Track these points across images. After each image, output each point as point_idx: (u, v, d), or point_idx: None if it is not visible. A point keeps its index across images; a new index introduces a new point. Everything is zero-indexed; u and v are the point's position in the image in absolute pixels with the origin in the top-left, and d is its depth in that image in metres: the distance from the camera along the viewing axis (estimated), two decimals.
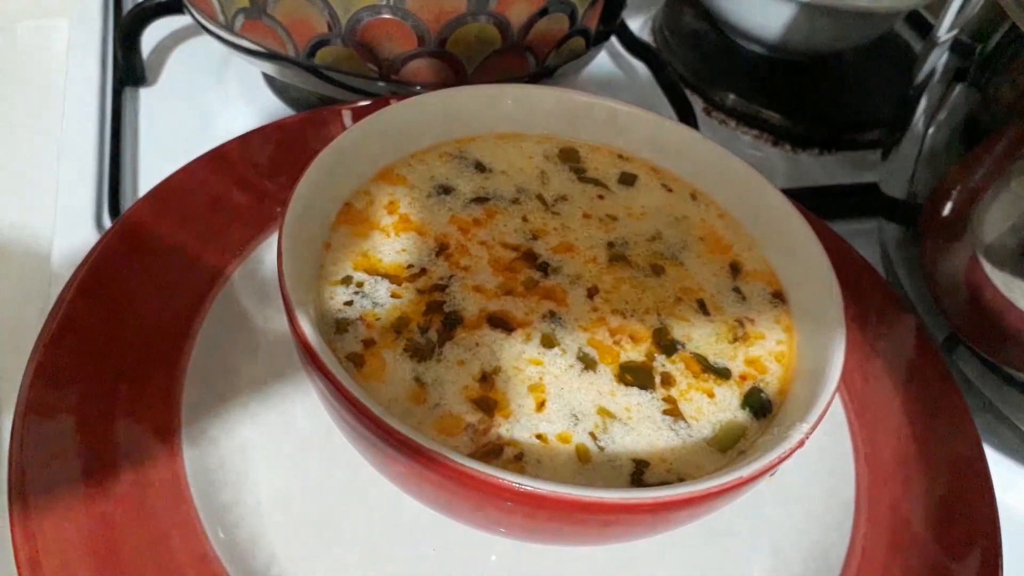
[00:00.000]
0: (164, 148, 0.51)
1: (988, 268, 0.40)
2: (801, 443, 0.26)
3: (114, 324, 0.34)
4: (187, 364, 0.34)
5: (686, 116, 0.54)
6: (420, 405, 0.28)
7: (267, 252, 0.39)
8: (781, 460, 0.26)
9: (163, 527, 0.29)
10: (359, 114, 0.45)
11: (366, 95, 0.47)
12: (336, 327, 0.30)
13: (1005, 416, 0.41)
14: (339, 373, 0.25)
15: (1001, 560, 0.32)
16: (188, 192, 0.40)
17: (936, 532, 0.33)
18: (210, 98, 0.55)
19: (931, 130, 0.46)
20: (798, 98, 0.63)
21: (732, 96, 0.63)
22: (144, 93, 0.55)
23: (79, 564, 0.27)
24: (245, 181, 0.42)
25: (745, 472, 0.25)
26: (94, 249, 0.37)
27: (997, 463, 0.39)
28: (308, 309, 0.28)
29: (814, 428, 0.27)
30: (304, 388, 0.33)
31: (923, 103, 0.46)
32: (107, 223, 0.46)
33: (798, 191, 0.54)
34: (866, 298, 0.44)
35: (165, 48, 0.58)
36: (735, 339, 0.32)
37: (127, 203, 0.47)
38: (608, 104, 0.39)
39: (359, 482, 0.31)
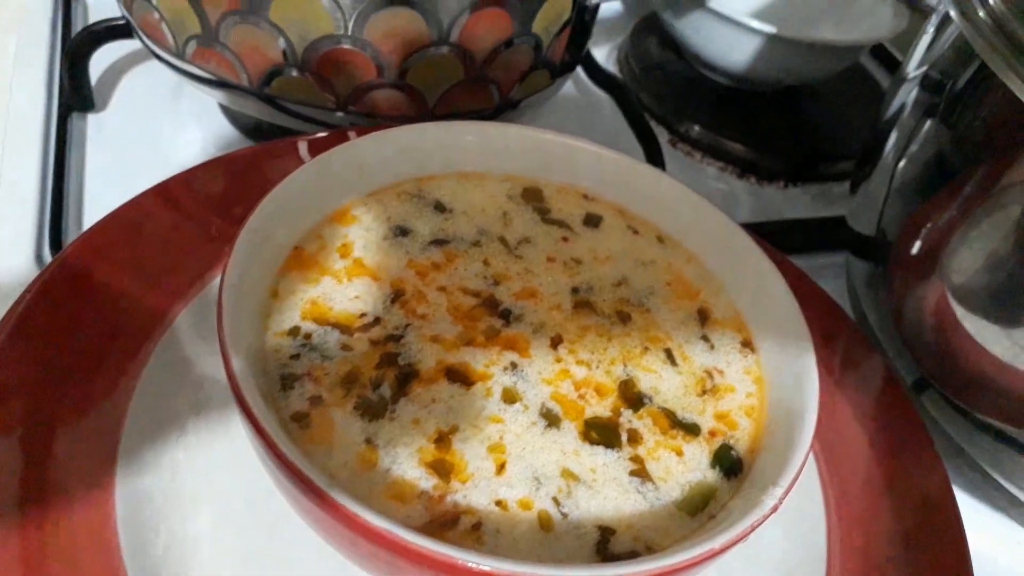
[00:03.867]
0: (111, 177, 0.49)
1: (958, 310, 0.39)
2: (775, 508, 0.25)
3: (50, 368, 0.32)
4: (126, 412, 0.32)
5: (651, 148, 0.54)
6: (371, 470, 0.26)
7: (213, 294, 0.37)
8: (754, 527, 0.24)
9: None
10: (316, 146, 0.43)
11: (323, 125, 0.45)
12: (281, 383, 0.28)
13: (975, 461, 0.41)
14: (279, 439, 0.23)
15: None
16: (132, 229, 0.38)
17: (909, 573, 0.32)
18: (162, 125, 0.53)
19: (901, 165, 0.45)
20: (764, 130, 0.63)
21: (697, 128, 0.62)
22: (92, 119, 0.52)
23: None
24: (193, 218, 0.40)
25: (717, 543, 0.24)
26: (30, 288, 0.34)
27: (967, 507, 0.38)
28: (249, 366, 0.26)
29: (788, 492, 0.26)
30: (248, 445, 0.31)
31: (893, 138, 0.45)
32: (47, 256, 0.43)
33: (763, 224, 0.53)
34: (833, 337, 0.43)
35: (115, 72, 0.56)
36: (704, 392, 0.31)
37: (69, 236, 0.44)
38: (573, 143, 0.38)
39: (301, 545, 0.29)
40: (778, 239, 0.45)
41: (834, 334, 0.43)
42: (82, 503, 0.28)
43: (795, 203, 0.61)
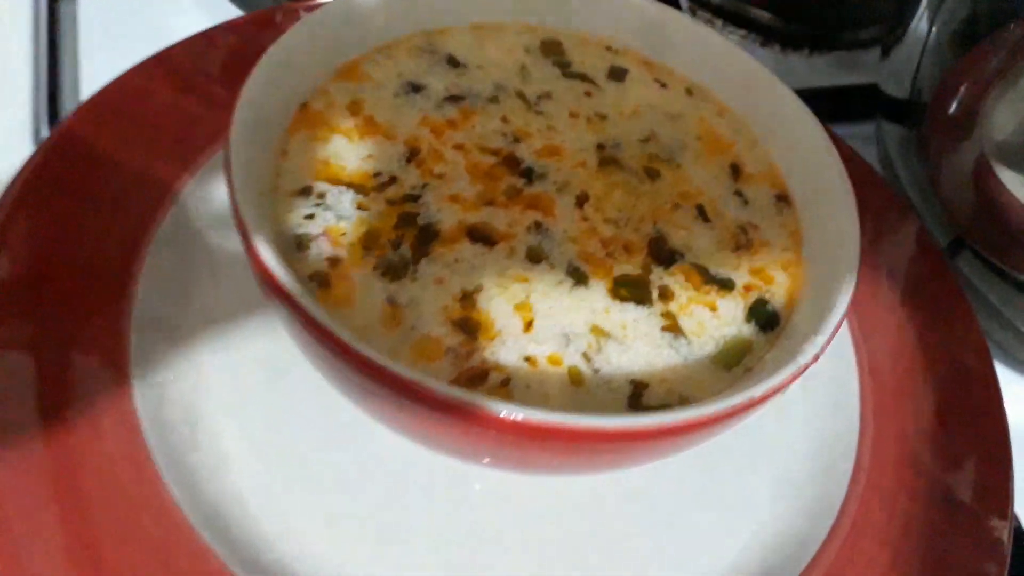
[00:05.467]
0: (107, 53, 0.46)
1: (997, 167, 0.37)
2: (816, 358, 0.24)
3: (52, 247, 0.31)
4: (135, 290, 0.31)
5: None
6: (395, 329, 0.25)
7: (220, 166, 0.35)
8: (795, 377, 0.24)
9: (118, 468, 0.26)
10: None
11: None
12: (296, 244, 0.26)
13: (1011, 323, 0.40)
14: (302, 298, 0.22)
15: (1012, 470, 0.31)
16: (131, 100, 0.36)
17: (944, 444, 0.32)
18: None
19: (935, 25, 0.43)
20: None
21: None
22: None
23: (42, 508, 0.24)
24: (193, 87, 0.38)
25: (756, 392, 0.23)
26: (28, 163, 0.33)
27: (1002, 374, 0.38)
28: (264, 225, 0.24)
29: (828, 342, 0.25)
30: (267, 313, 0.30)
31: None
32: (46, 134, 0.41)
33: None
34: (867, 201, 0.41)
35: None
36: (738, 247, 0.29)
37: (65, 111, 0.42)
38: None
39: (329, 414, 0.28)
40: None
41: (868, 197, 0.41)
42: (103, 404, 0.28)
43: (820, 71, 0.58)
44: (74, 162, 0.33)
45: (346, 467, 0.29)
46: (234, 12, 0.50)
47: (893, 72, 0.46)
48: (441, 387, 0.21)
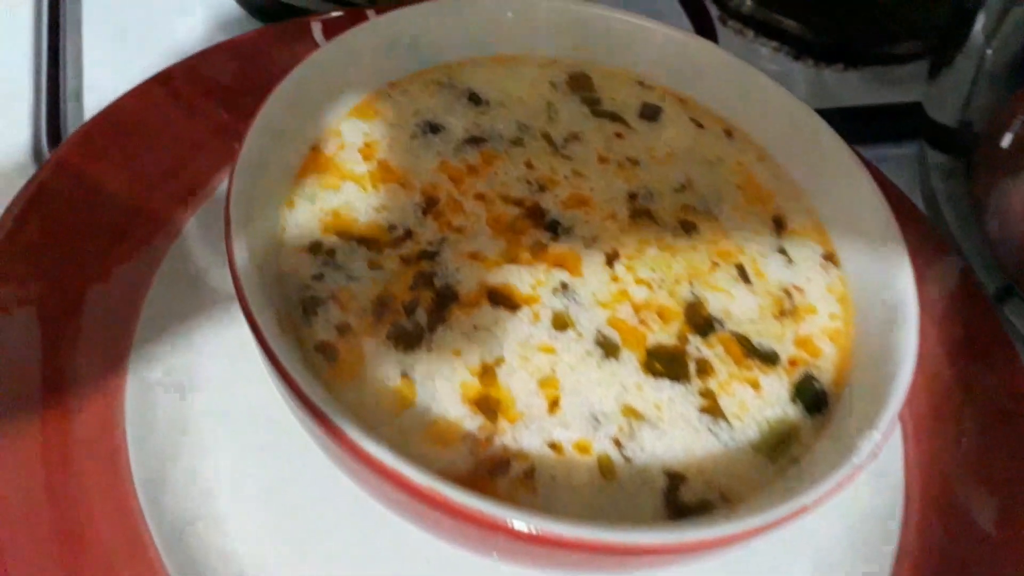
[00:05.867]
0: (111, 61, 0.44)
1: None
2: (874, 456, 0.22)
3: (49, 282, 0.29)
4: (134, 328, 0.29)
5: (703, 25, 0.48)
6: (407, 409, 0.23)
7: (223, 197, 0.33)
8: (848, 481, 0.21)
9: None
10: (330, 27, 0.38)
11: (338, 3, 0.40)
12: (303, 309, 0.24)
13: None
14: (304, 381, 0.20)
15: None
16: (131, 124, 0.34)
17: (996, 509, 0.29)
18: (164, 3, 0.48)
19: (991, 50, 0.40)
20: (823, 6, 0.56)
21: (749, 2, 0.55)
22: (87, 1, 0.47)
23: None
24: (198, 111, 0.36)
25: (808, 498, 0.20)
26: (23, 194, 0.31)
27: None
28: (265, 294, 0.22)
29: (886, 440, 0.22)
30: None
31: (981, 20, 0.40)
32: (46, 150, 0.39)
33: (823, 112, 0.48)
34: (905, 236, 0.38)
35: None
36: (781, 313, 0.27)
37: (68, 128, 0.40)
38: (625, 18, 0.32)
39: (330, 485, 0.26)
40: (840, 127, 0.40)
41: (905, 231, 0.39)
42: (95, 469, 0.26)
43: (855, 87, 0.55)
44: (68, 194, 0.31)
45: (347, 544, 0.26)
46: (240, 13, 0.48)
47: (940, 96, 0.44)
48: (457, 495, 0.19)
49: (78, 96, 0.42)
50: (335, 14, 0.38)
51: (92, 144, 0.33)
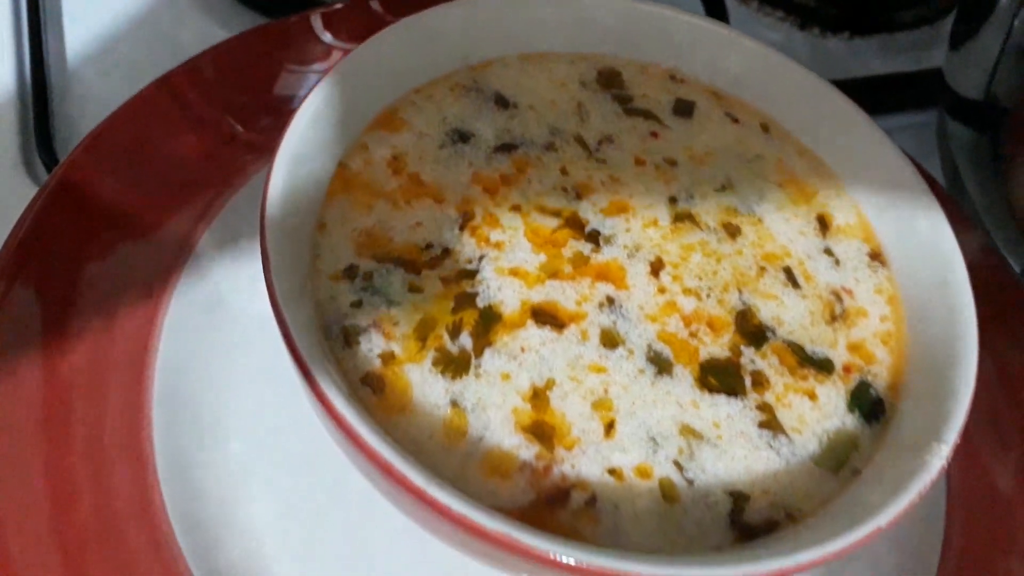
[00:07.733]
0: (101, 61, 0.42)
1: None
2: (943, 471, 0.21)
3: (55, 316, 0.28)
4: (153, 362, 0.28)
5: None
6: (461, 440, 0.22)
7: (236, 211, 0.32)
8: (921, 495, 0.21)
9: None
10: (333, 18, 0.37)
11: None
12: (344, 339, 0.23)
13: None
14: (365, 430, 0.19)
15: None
16: (133, 137, 0.33)
17: None
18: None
19: (1018, 21, 0.39)
20: None
21: None
22: None
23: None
24: (203, 118, 0.34)
25: (883, 519, 0.20)
26: (26, 215, 0.30)
27: None
28: (311, 330, 0.21)
29: (954, 449, 0.22)
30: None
31: None
32: (37, 162, 0.37)
33: (837, 84, 0.47)
34: None
35: None
36: (833, 318, 0.26)
37: (58, 135, 0.38)
38: (655, 10, 0.31)
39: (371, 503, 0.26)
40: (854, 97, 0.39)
41: None
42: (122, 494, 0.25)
43: (862, 56, 0.54)
44: (75, 215, 0.30)
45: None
46: (238, 7, 0.46)
47: (964, 68, 0.42)
48: (522, 535, 0.18)
49: (64, 95, 0.41)
50: (337, 5, 0.37)
51: (92, 160, 0.31)
